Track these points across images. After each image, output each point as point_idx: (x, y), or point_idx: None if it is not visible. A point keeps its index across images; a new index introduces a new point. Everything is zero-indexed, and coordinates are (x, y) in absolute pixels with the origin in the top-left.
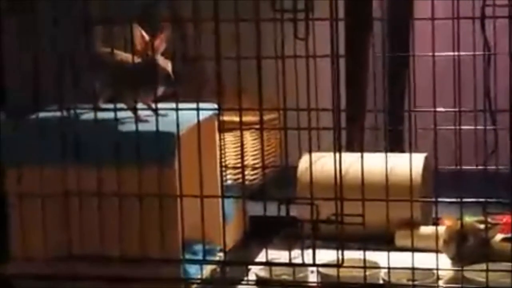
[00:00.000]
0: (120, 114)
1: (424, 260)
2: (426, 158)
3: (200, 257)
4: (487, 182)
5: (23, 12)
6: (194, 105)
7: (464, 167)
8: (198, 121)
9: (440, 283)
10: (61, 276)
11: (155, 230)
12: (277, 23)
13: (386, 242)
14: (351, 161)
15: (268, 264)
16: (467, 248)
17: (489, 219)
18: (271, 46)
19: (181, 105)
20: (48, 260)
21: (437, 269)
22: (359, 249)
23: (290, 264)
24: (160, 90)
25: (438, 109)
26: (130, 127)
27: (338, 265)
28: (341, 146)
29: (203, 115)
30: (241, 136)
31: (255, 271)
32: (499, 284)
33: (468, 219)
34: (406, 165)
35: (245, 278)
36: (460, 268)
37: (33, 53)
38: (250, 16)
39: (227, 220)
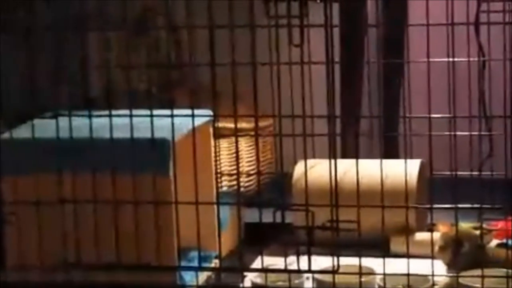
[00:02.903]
0: (116, 121)
1: (419, 266)
2: (421, 164)
3: (195, 264)
4: (482, 188)
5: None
6: (189, 112)
7: (459, 173)
8: (193, 127)
9: None
10: (57, 283)
11: (151, 237)
12: (271, 30)
13: (381, 248)
14: (346, 168)
15: (264, 270)
16: (463, 254)
17: (484, 225)
18: (265, 52)
19: (176, 112)
20: (43, 268)
21: (433, 275)
22: (354, 255)
23: (285, 271)
24: None
25: (433, 115)
26: (125, 133)
27: (334, 271)
28: (336, 153)
29: (198, 121)
30: (236, 142)
31: (250, 278)
32: None
33: (464, 225)
34: (401, 171)
35: (241, 285)
36: (455, 274)
37: (29, 57)
38: (244, 22)
39: (223, 226)
